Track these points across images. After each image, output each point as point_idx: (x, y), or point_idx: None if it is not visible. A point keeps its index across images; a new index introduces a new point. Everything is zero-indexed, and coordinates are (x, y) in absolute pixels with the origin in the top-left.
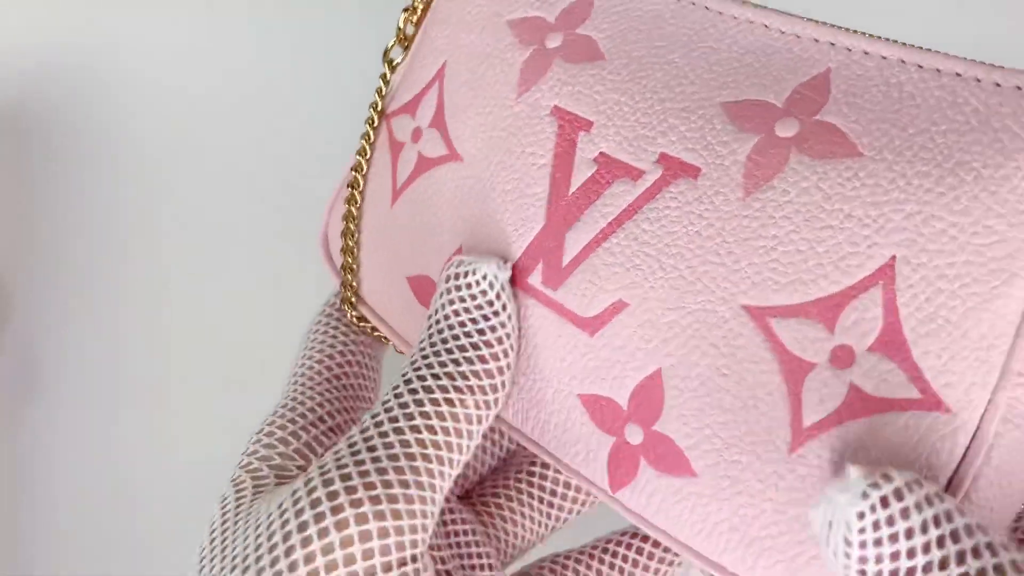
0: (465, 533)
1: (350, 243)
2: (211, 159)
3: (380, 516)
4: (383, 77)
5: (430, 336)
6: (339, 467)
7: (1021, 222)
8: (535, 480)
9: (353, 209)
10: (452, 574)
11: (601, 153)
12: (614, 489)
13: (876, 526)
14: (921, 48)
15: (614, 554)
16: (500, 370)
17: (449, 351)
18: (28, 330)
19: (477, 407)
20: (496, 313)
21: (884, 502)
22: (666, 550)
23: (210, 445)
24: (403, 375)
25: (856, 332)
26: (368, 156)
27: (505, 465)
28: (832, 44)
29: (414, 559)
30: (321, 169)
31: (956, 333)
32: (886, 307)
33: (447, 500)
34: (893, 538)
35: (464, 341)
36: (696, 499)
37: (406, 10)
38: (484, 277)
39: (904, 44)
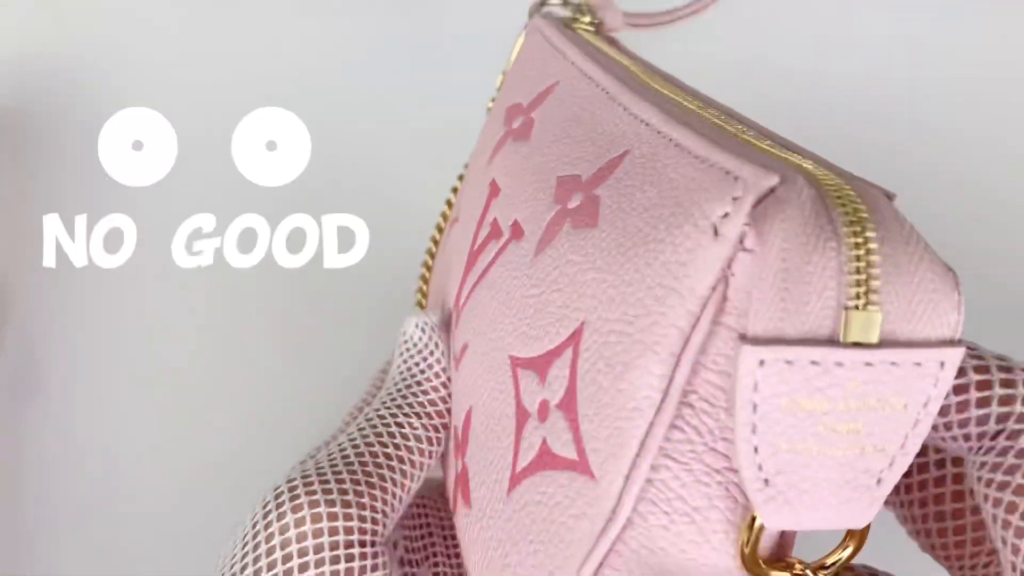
0: None
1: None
2: (211, 159)
3: (331, 504)
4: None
5: (393, 381)
6: (302, 473)
7: (661, 296)
8: None
9: (432, 245)
10: None
11: (495, 217)
12: (455, 511)
13: None
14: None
15: None
16: (442, 399)
17: (398, 388)
18: (28, 330)
19: (425, 429)
20: (424, 358)
21: None
22: None
23: (210, 445)
24: (378, 405)
25: (552, 388)
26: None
27: None
28: (658, 133)
29: (362, 544)
30: (323, 169)
31: (605, 399)
32: (571, 367)
33: None
34: None
35: (410, 380)
36: (472, 531)
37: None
38: (415, 326)
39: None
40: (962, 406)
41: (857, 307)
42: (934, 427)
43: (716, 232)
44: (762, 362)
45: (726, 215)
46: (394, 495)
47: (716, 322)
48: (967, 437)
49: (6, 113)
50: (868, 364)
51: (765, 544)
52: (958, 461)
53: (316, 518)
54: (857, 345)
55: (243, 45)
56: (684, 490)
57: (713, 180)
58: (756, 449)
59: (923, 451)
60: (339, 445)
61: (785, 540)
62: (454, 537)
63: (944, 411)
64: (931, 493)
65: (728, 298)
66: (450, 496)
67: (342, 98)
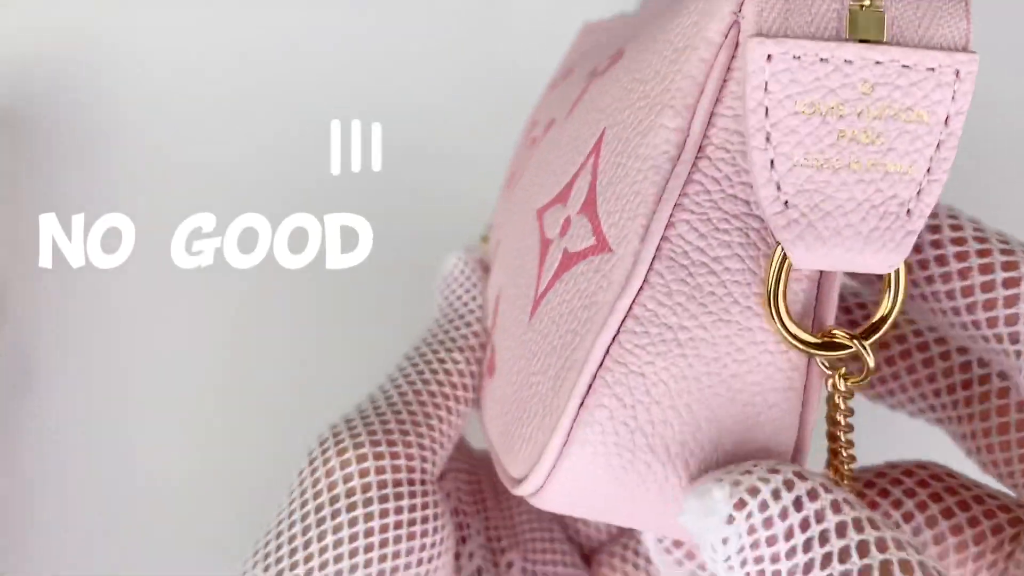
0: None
1: None
2: (212, 158)
3: (375, 444)
4: None
5: (435, 320)
6: (346, 419)
7: (675, 57)
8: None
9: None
10: None
11: (551, 119)
12: (480, 392)
13: (741, 550)
14: None
15: None
16: (485, 330)
17: (440, 324)
18: (24, 332)
19: (468, 362)
20: (472, 286)
21: (751, 529)
22: None
23: (210, 445)
24: (418, 343)
25: (575, 201)
26: None
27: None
28: None
29: (411, 482)
30: (326, 172)
31: (621, 173)
32: (593, 170)
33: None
34: (758, 558)
35: (451, 314)
36: (495, 394)
37: None
38: (454, 261)
39: None
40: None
41: (861, 7)
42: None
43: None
44: (769, 57)
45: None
46: (441, 432)
47: (730, 68)
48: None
49: (6, 113)
50: (878, 63)
51: (795, 301)
52: None
53: (361, 459)
54: (864, 42)
55: (243, 45)
56: (703, 241)
57: None
58: (772, 163)
59: (984, 362)
60: (381, 388)
61: (821, 306)
62: (506, 492)
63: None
64: (994, 405)
65: (740, 43)
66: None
67: (343, 98)
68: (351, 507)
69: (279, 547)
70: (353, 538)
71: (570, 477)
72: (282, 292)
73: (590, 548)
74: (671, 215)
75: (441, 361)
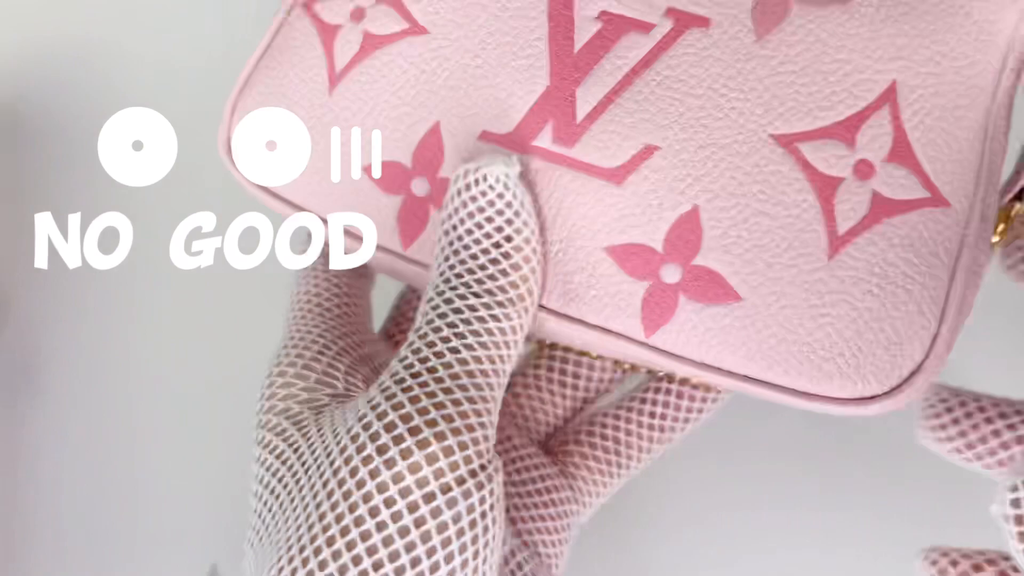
0: (535, 478)
1: None
2: (212, 158)
3: (441, 437)
4: None
5: (455, 252)
6: (389, 398)
7: (983, 47)
8: (555, 366)
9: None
10: (520, 512)
11: (603, 11)
12: (648, 333)
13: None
14: None
15: (653, 402)
16: (532, 272)
17: (482, 267)
18: (21, 333)
19: (519, 315)
20: (517, 213)
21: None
22: (700, 392)
23: (209, 445)
24: (433, 297)
25: (873, 147)
26: (282, 51)
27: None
28: None
29: (483, 468)
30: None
31: (948, 139)
32: (894, 123)
33: (516, 445)
34: None
35: (494, 253)
36: (742, 321)
37: None
38: (498, 180)
39: None
40: None
41: None
42: None
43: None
44: None
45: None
46: (493, 399)
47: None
48: None
49: (6, 113)
50: None
51: None
52: None
53: (432, 459)
54: None
55: (243, 45)
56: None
57: None
58: None
59: None
60: (416, 353)
61: None
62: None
63: None
64: None
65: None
66: (640, 317)
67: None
68: (435, 512)
69: (319, 552)
70: (417, 545)
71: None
72: (283, 292)
73: (545, 435)
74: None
75: (494, 318)
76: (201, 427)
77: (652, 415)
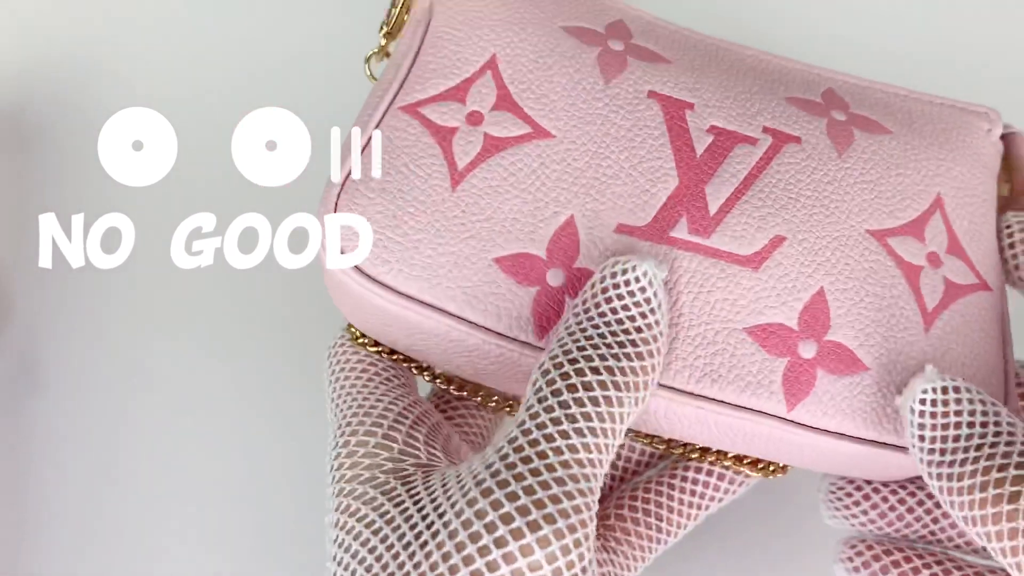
0: None
1: None
2: (212, 158)
3: (560, 535)
4: (371, 76)
5: (582, 331)
6: (501, 484)
7: (990, 172)
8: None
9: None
10: None
11: (712, 126)
12: (790, 408)
13: (934, 403)
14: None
15: (694, 481)
16: (653, 368)
17: (609, 347)
18: (24, 332)
19: (631, 404)
20: (653, 311)
21: (944, 391)
22: (730, 473)
23: (209, 445)
24: (551, 370)
25: (936, 242)
26: (388, 150)
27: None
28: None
29: (591, 561)
30: (324, 168)
31: (981, 235)
32: (946, 225)
33: None
34: (944, 415)
35: (624, 338)
36: (871, 388)
37: (389, 28)
38: (645, 274)
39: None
40: None
41: None
42: None
43: (990, 134)
44: None
45: (990, 130)
46: (597, 490)
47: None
48: None
49: (6, 113)
50: None
51: None
52: None
53: (551, 559)
54: None
55: (243, 45)
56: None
57: (969, 115)
58: None
59: None
60: (530, 440)
61: None
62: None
63: None
64: None
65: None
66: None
67: (343, 97)
68: None
69: None
70: None
71: None
72: (282, 291)
73: None
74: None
75: (605, 402)
76: (203, 426)
77: (692, 492)
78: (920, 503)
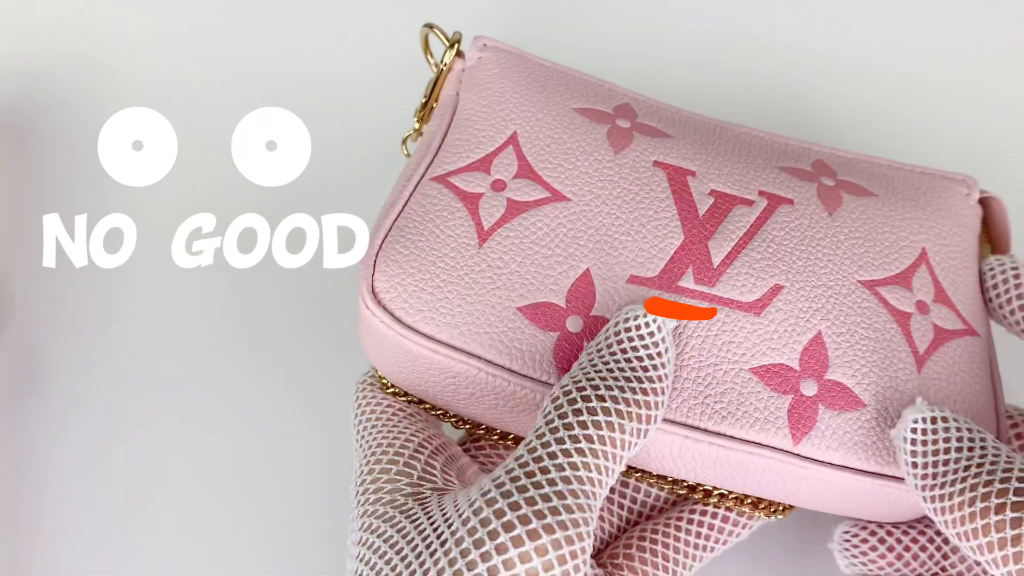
0: None
1: None
2: (212, 158)
3: (557, 545)
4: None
5: (592, 365)
6: (505, 495)
7: (971, 231)
8: (615, 487)
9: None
10: None
11: (712, 190)
12: (796, 442)
13: (924, 432)
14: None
15: (700, 523)
16: (658, 405)
17: (616, 379)
18: (27, 330)
19: (633, 434)
20: (661, 354)
21: (933, 420)
22: (734, 516)
23: (209, 445)
24: (559, 397)
25: (923, 291)
26: (420, 213)
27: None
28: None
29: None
30: (323, 169)
31: (965, 285)
32: (932, 276)
33: None
34: (935, 442)
35: (630, 373)
36: (869, 424)
37: (422, 114)
38: (655, 320)
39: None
40: None
41: None
42: None
43: (968, 197)
44: None
45: (968, 194)
46: (596, 509)
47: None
48: None
49: (6, 113)
50: None
51: None
52: None
53: (548, 567)
54: None
55: (243, 45)
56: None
57: (947, 181)
58: None
59: None
60: (535, 457)
61: None
62: None
63: None
64: None
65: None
66: (788, 426)
67: (342, 98)
68: None
69: None
70: None
71: None
72: (281, 291)
73: (597, 549)
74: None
75: (610, 426)
76: (203, 427)
77: (699, 535)
78: (931, 541)
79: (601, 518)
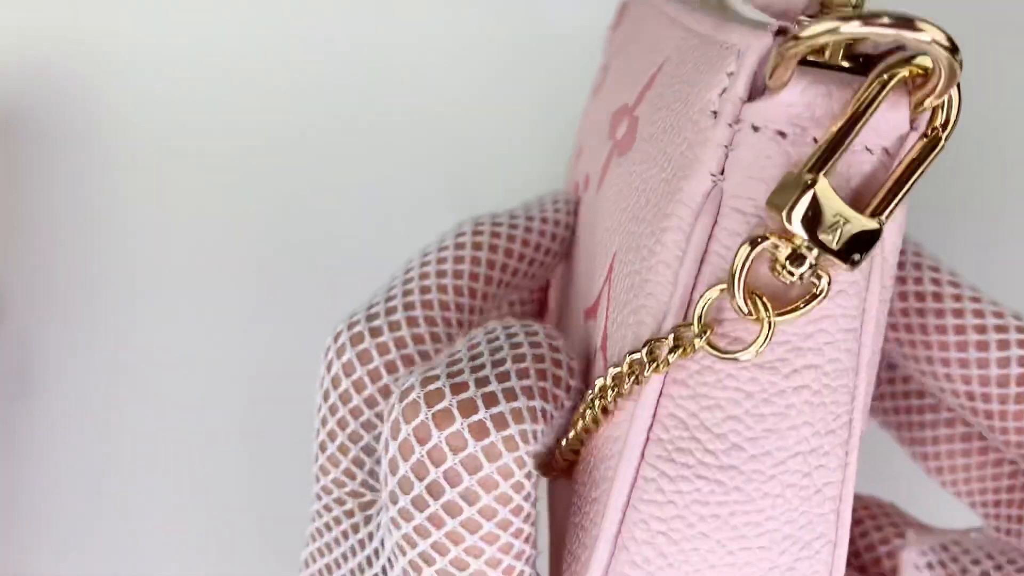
0: None
1: None
2: (212, 160)
3: (524, 429)
4: None
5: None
6: (475, 376)
7: (669, 210)
8: None
9: None
10: None
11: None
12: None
13: None
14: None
15: None
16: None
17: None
18: (25, 331)
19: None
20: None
21: None
22: None
23: (209, 445)
24: None
25: (597, 333)
26: None
27: None
28: (686, 29)
29: (529, 473)
30: (324, 168)
31: (617, 335)
32: (606, 310)
33: None
34: None
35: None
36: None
37: None
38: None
39: None
40: None
41: None
42: None
43: (715, 116)
44: None
45: (723, 92)
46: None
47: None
48: None
49: (2, 113)
50: None
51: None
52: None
53: (511, 445)
54: None
55: (243, 45)
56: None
57: (712, 57)
58: None
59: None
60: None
61: None
62: None
63: None
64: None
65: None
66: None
67: (342, 97)
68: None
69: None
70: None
71: None
72: (280, 291)
73: None
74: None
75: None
76: (200, 427)
77: None
78: None
79: None
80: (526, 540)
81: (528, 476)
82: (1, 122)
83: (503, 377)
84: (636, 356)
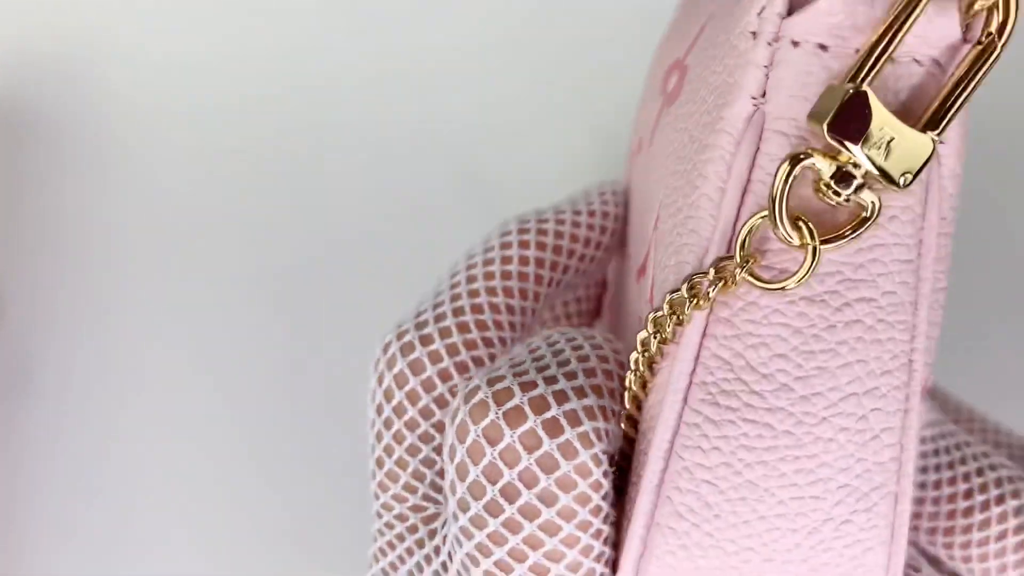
0: None
1: None
2: (211, 160)
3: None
4: None
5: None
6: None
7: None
8: None
9: None
10: None
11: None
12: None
13: None
14: None
15: None
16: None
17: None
18: (24, 330)
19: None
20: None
21: None
22: None
23: (208, 445)
24: None
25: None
26: None
27: None
28: None
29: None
30: (326, 174)
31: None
32: (652, 272)
33: None
34: None
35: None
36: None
37: None
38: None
39: None
40: None
41: None
42: None
43: (754, 36)
44: None
45: (762, 10)
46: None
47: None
48: None
49: (4, 112)
50: None
51: None
52: None
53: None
54: None
55: (243, 45)
56: None
57: None
58: None
59: None
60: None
61: None
62: None
63: None
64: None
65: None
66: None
67: (342, 98)
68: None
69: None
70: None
71: None
72: (280, 291)
73: None
74: None
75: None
76: (196, 428)
77: None
78: None
79: None
80: (605, 542)
81: (605, 475)
82: (1, 122)
83: (570, 376)
84: (676, 295)
